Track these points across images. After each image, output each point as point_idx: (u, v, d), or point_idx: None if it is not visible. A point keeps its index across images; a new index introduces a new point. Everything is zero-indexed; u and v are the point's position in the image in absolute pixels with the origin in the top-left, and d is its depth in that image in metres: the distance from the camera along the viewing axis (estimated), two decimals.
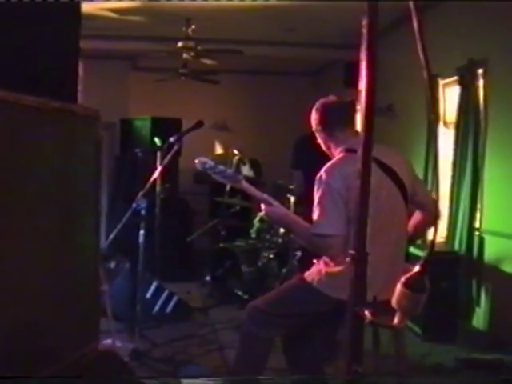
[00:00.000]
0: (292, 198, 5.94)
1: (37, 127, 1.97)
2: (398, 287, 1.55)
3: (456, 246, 5.91)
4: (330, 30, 8.18)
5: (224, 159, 8.35)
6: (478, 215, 5.80)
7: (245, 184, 3.20)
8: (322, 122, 3.42)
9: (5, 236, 1.86)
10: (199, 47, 7.68)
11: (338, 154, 3.36)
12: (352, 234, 3.00)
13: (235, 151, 7.44)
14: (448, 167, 6.09)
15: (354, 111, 3.58)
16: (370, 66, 1.51)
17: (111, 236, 4.52)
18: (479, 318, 5.71)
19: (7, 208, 1.86)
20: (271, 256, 6.47)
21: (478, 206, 5.78)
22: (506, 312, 5.36)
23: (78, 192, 2.26)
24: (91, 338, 2.37)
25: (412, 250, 4.60)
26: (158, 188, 5.10)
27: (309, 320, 3.38)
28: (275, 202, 3.28)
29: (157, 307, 5.86)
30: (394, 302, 1.58)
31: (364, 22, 1.48)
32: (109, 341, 3.97)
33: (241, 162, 7.59)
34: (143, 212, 4.60)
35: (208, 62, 8.08)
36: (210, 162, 3.13)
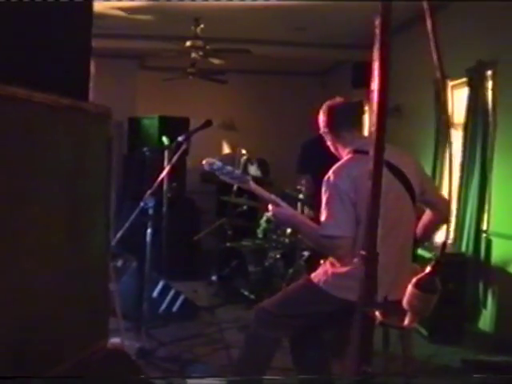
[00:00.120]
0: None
1: (48, 124, 1.97)
2: (409, 288, 1.55)
3: (463, 248, 5.89)
4: (338, 30, 8.17)
5: (231, 159, 8.37)
6: (485, 217, 5.78)
7: (253, 185, 3.21)
8: (329, 123, 3.42)
9: (18, 234, 1.87)
10: (208, 46, 7.68)
11: (345, 155, 3.36)
12: (360, 235, 3.04)
13: (243, 151, 7.43)
14: (456, 168, 6.08)
15: (361, 112, 3.58)
16: (382, 66, 1.50)
17: (118, 234, 4.53)
18: (486, 320, 5.69)
19: (20, 206, 1.86)
20: (278, 256, 6.46)
21: (486, 207, 5.76)
22: None
23: (90, 190, 2.27)
24: (100, 336, 2.38)
25: (419, 251, 4.59)
26: (165, 187, 5.10)
27: (316, 320, 3.38)
28: (283, 203, 3.28)
29: (163, 306, 5.86)
30: (404, 302, 1.57)
31: (377, 22, 1.48)
32: (117, 339, 3.97)
33: (248, 161, 7.57)
34: (151, 211, 4.60)
35: (216, 61, 8.08)
36: (218, 163, 3.14)
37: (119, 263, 5.85)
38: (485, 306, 5.70)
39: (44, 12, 2.02)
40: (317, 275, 3.35)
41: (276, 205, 3.26)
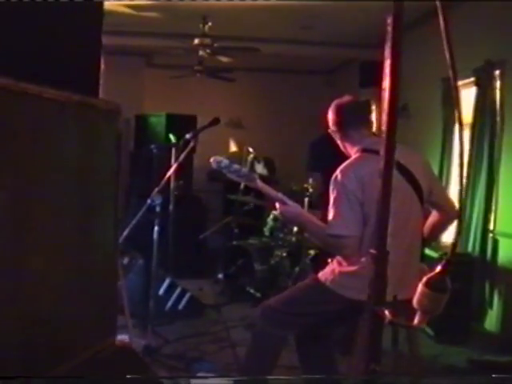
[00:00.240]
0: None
1: (59, 120, 1.97)
2: (420, 287, 1.55)
3: (470, 248, 5.88)
4: (346, 29, 8.16)
5: (238, 157, 8.36)
6: (492, 217, 5.77)
7: (260, 183, 3.21)
8: (338, 122, 3.42)
9: (28, 231, 1.87)
10: (215, 44, 7.69)
11: (354, 153, 3.36)
12: (367, 234, 3.05)
13: (250, 149, 7.43)
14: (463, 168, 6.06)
15: (369, 111, 3.58)
16: (394, 65, 1.50)
17: (125, 232, 4.53)
18: (492, 320, 5.68)
19: (29, 203, 1.86)
20: (284, 254, 6.46)
21: (493, 207, 5.76)
22: None
23: (99, 187, 2.26)
24: (108, 333, 2.38)
25: (426, 251, 4.59)
26: (172, 185, 5.10)
27: (322, 319, 3.39)
28: (290, 201, 3.28)
29: (169, 304, 5.86)
30: (414, 301, 1.57)
31: (389, 20, 1.47)
32: (125, 336, 3.97)
33: (255, 160, 7.57)
34: (158, 208, 4.60)
35: (224, 59, 8.09)
36: (225, 161, 3.14)
37: (125, 260, 5.86)
38: (491, 306, 5.69)
39: (56, 9, 2.02)
40: (324, 274, 3.35)
41: (283, 203, 3.26)
